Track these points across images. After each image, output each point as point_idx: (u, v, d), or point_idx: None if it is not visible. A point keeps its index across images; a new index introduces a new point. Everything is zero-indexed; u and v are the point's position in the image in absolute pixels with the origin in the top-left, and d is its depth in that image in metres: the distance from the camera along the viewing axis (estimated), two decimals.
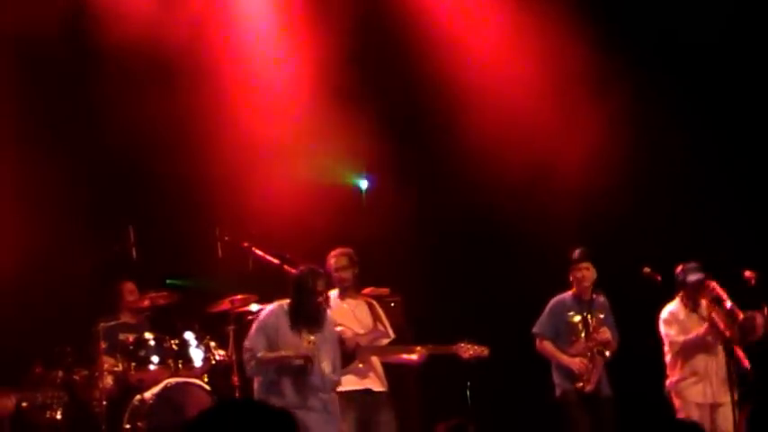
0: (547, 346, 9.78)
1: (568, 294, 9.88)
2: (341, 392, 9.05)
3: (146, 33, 11.05)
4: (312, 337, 8.62)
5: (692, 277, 9.71)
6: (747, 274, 9.63)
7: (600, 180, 11.28)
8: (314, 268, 8.81)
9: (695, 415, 9.40)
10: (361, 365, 9.16)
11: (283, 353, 8.58)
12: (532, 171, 11.49)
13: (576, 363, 9.62)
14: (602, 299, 9.83)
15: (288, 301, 8.78)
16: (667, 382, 9.85)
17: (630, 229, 11.20)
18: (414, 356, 9.35)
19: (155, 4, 11.28)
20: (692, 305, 9.78)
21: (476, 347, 9.25)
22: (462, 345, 9.24)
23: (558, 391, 9.79)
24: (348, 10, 11.60)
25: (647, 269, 9.62)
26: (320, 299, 8.63)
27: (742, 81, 11.56)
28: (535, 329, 9.87)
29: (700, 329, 9.64)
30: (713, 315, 9.58)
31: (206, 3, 11.62)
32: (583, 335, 9.69)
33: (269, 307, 8.89)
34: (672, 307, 9.85)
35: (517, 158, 11.39)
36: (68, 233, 10.72)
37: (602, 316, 9.74)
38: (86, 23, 11.01)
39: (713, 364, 9.63)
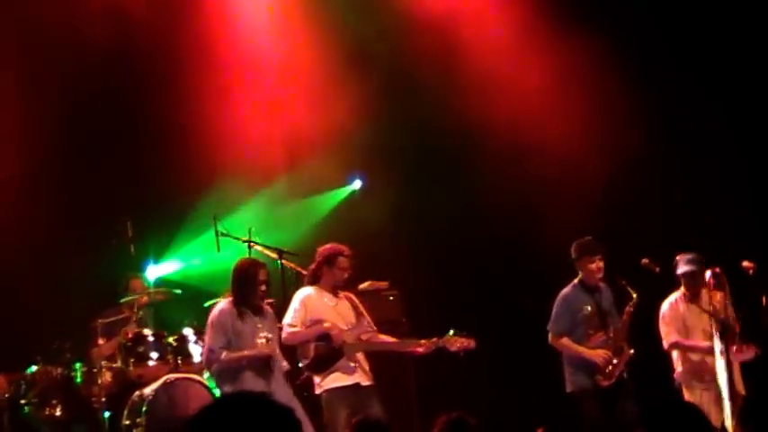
0: (565, 342, 9.44)
1: (575, 285, 9.58)
2: (331, 389, 9.00)
3: (145, 34, 11.11)
4: (269, 335, 8.79)
5: (681, 269, 9.62)
6: (746, 264, 9.55)
7: (599, 174, 11.27)
8: (255, 259, 9.10)
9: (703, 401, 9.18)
10: (349, 362, 9.11)
11: (246, 352, 8.74)
12: (533, 166, 11.45)
13: (599, 355, 9.26)
14: (606, 287, 9.54)
15: (230, 298, 8.88)
16: (675, 374, 9.76)
17: (630, 220, 11.16)
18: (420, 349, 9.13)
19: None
20: (690, 296, 9.69)
21: (462, 340, 8.94)
22: (448, 337, 8.97)
23: (570, 387, 9.46)
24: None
25: (645, 260, 9.41)
26: (263, 288, 8.87)
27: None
28: (551, 327, 9.51)
29: (700, 344, 9.54)
30: (714, 304, 9.43)
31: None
32: (599, 325, 9.41)
33: (219, 306, 8.89)
34: (672, 299, 9.75)
35: (517, 154, 11.38)
36: (67, 229, 10.76)
37: (612, 309, 9.47)
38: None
39: (711, 358, 9.48)
